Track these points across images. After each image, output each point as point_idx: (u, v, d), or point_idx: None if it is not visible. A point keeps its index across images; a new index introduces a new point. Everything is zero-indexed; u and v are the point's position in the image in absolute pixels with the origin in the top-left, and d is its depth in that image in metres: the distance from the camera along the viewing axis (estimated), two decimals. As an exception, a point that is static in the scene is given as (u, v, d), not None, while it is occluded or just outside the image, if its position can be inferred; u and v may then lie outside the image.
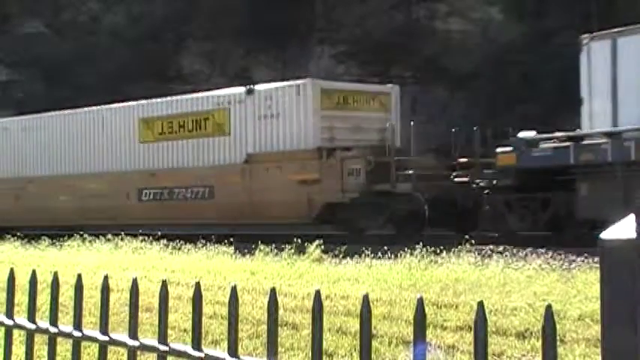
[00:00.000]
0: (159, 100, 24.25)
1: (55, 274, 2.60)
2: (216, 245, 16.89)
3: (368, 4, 34.11)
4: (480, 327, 1.76)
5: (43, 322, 2.64)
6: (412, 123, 19.87)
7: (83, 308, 2.55)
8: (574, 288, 9.59)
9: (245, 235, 19.89)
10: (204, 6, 35.99)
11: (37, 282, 2.69)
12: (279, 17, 33.29)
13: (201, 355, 2.17)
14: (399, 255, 13.81)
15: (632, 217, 1.49)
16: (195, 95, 23.67)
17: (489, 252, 14.24)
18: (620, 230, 1.46)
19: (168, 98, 24.17)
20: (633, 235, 1.43)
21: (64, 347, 4.24)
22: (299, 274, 11.98)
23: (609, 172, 15.89)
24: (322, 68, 30.07)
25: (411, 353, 1.84)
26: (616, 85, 16.41)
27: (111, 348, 2.51)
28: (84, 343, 2.57)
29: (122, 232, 19.58)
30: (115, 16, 38.56)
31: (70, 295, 2.72)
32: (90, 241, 18.71)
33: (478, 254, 13.42)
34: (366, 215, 19.69)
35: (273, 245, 15.66)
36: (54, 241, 19.64)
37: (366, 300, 1.92)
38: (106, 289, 2.49)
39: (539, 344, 4.98)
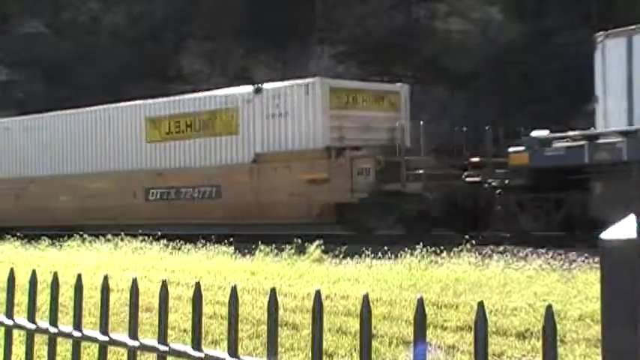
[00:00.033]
0: (166, 99, 24.07)
1: (55, 274, 2.60)
2: (216, 245, 16.89)
3: (368, 4, 34.12)
4: (480, 327, 1.76)
5: (43, 322, 2.64)
6: (422, 122, 19.70)
7: (83, 308, 2.55)
8: (574, 288, 9.59)
9: (245, 235, 19.87)
10: (204, 6, 35.99)
11: (37, 282, 2.69)
12: (279, 17, 33.29)
13: (201, 355, 2.17)
14: (399, 255, 13.81)
15: (632, 217, 1.49)
16: (202, 94, 23.49)
17: (489, 252, 14.23)
18: (620, 230, 1.46)
19: (176, 97, 23.99)
20: (633, 235, 1.43)
21: (64, 347, 4.23)
22: (299, 274, 11.97)
23: (625, 171, 15.66)
24: (322, 68, 30.07)
25: (411, 353, 1.84)
26: (632, 83, 16.21)
27: (111, 348, 2.51)
28: (84, 343, 2.57)
29: (122, 232, 19.56)
30: (115, 16, 38.57)
31: (70, 295, 2.71)
32: (90, 241, 18.70)
33: (478, 254, 13.41)
34: (375, 215, 19.53)
35: (273, 245, 15.66)
36: (54, 241, 19.64)
37: (366, 300, 1.92)
38: (106, 289, 2.49)
39: (539, 344, 4.98)
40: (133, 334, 2.37)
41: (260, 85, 21.92)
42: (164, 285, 2.33)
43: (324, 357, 2.05)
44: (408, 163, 19.51)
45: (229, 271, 12.63)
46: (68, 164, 25.68)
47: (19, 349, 3.44)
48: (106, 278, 2.49)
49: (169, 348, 2.28)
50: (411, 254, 13.54)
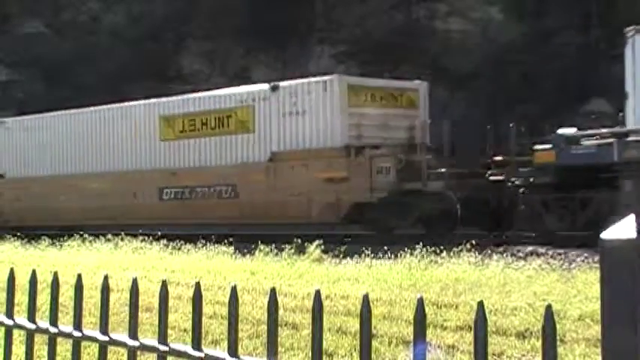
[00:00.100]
0: (180, 97, 23.84)
1: (55, 274, 2.60)
2: (216, 245, 16.88)
3: (368, 4, 34.12)
4: (480, 327, 1.76)
5: (43, 322, 2.64)
6: (445, 120, 19.44)
7: (83, 308, 2.55)
8: (574, 288, 9.59)
9: (245, 235, 19.84)
10: (204, 6, 35.99)
11: (37, 282, 2.69)
12: (279, 17, 33.30)
13: (201, 355, 2.17)
14: (399, 255, 13.81)
15: (632, 217, 1.49)
16: (218, 92, 23.26)
17: (489, 252, 14.23)
18: (620, 230, 1.46)
19: (190, 95, 23.74)
20: (633, 235, 1.43)
21: (64, 347, 4.23)
22: (299, 274, 11.97)
23: None
24: (322, 68, 30.05)
25: (411, 353, 1.84)
26: None
27: (111, 348, 2.51)
28: (84, 343, 2.57)
29: (122, 232, 19.55)
30: (115, 16, 38.57)
31: (70, 295, 2.72)
32: (90, 241, 18.70)
33: (478, 254, 13.41)
34: (395, 214, 19.25)
35: (273, 245, 15.65)
36: (54, 241, 19.63)
37: (366, 300, 1.92)
38: (106, 289, 2.49)
39: (539, 344, 4.98)
40: (133, 334, 2.37)
41: (276, 82, 21.67)
42: (164, 285, 2.33)
43: (324, 357, 2.05)
44: (429, 161, 19.25)
45: (229, 271, 12.63)
46: (83, 163, 25.38)
47: (19, 349, 3.44)
48: (106, 278, 2.49)
49: (169, 348, 2.28)
50: (411, 254, 13.54)
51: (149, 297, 8.16)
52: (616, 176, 16.09)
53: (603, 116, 22.93)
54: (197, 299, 2.22)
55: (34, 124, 27.01)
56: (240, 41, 35.52)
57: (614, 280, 1.43)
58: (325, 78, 20.79)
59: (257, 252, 15.41)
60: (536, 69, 29.13)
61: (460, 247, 13.78)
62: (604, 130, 17.04)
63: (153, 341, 2.33)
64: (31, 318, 2.67)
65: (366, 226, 20.34)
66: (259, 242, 15.91)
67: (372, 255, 14.25)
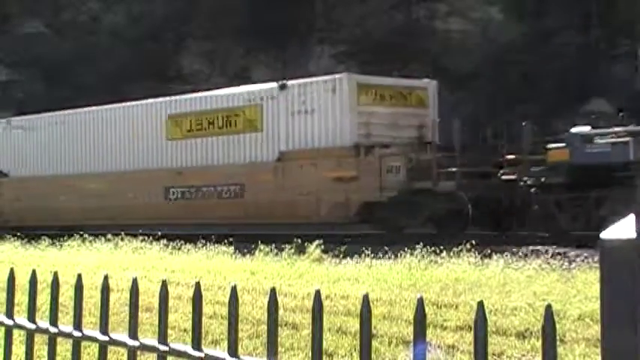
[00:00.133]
0: (187, 96, 23.68)
1: (55, 274, 2.60)
2: (216, 245, 16.88)
3: (368, 4, 34.12)
4: (480, 327, 1.76)
5: (43, 322, 2.64)
6: (456, 119, 19.20)
7: (83, 308, 2.55)
8: (574, 288, 9.59)
9: (245, 235, 19.82)
10: (204, 6, 36.00)
11: (37, 282, 2.69)
12: (279, 17, 33.30)
13: (201, 355, 2.17)
14: (399, 255, 13.80)
15: (632, 217, 1.49)
16: (225, 91, 23.11)
17: (489, 252, 14.22)
18: (620, 230, 1.46)
19: (198, 94, 23.56)
20: (633, 235, 1.43)
21: (64, 347, 4.23)
22: (299, 274, 11.97)
23: None
24: (322, 68, 30.08)
25: (411, 353, 1.84)
26: None
27: (111, 348, 2.51)
28: (84, 343, 2.57)
29: (122, 232, 19.54)
30: (115, 16, 38.58)
31: (70, 295, 2.72)
32: (90, 241, 18.69)
33: (478, 254, 13.41)
34: (405, 214, 19.07)
35: (273, 245, 15.65)
36: (54, 241, 19.63)
37: (366, 300, 1.92)
38: (106, 289, 2.49)
39: (539, 344, 4.98)
40: (133, 334, 2.37)
41: (285, 81, 21.51)
42: (164, 285, 2.33)
43: (324, 357, 2.05)
44: (440, 160, 19.07)
45: (229, 271, 12.63)
46: (88, 162, 25.17)
47: (19, 349, 3.44)
48: (106, 278, 2.49)
49: (169, 348, 2.28)
50: (411, 254, 13.54)
51: (149, 297, 8.16)
52: (632, 175, 15.84)
53: (603, 116, 22.91)
54: (197, 299, 2.22)
55: (39, 123, 26.77)
56: (240, 41, 35.53)
57: (614, 280, 1.43)
58: (334, 77, 20.59)
59: (257, 252, 15.41)
60: (536, 69, 29.13)
61: (460, 247, 13.78)
62: (619, 129, 16.82)
63: (153, 341, 2.33)
64: (31, 318, 2.67)
65: (375, 225, 20.12)
66: (259, 242, 15.90)
67: (372, 255, 14.24)
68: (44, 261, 14.44)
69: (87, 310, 3.26)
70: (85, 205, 24.34)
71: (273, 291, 2.07)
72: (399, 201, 19.04)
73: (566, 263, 12.93)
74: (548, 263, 12.54)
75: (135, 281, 2.39)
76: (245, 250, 16.10)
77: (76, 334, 2.53)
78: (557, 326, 1.82)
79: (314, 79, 21.20)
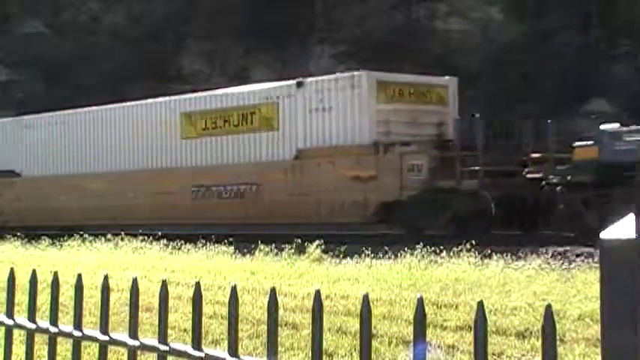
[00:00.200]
0: (202, 94, 23.38)
1: (55, 273, 2.60)
2: (216, 245, 16.88)
3: (368, 4, 34.13)
4: (480, 327, 1.76)
5: (43, 322, 2.64)
6: (477, 116, 18.90)
7: (83, 308, 2.55)
8: (574, 288, 9.59)
9: (245, 234, 19.79)
10: (204, 6, 36.01)
11: (37, 282, 2.69)
12: (279, 17, 33.30)
13: (202, 354, 2.17)
14: (399, 255, 13.80)
15: (632, 217, 1.49)
16: (241, 89, 22.81)
17: (489, 252, 14.23)
18: (620, 230, 1.46)
19: (212, 92, 23.26)
20: (633, 235, 1.43)
21: (64, 347, 4.23)
22: (299, 274, 11.97)
23: None
24: (322, 68, 30.08)
25: (411, 353, 1.84)
26: None
27: (111, 348, 2.51)
28: (84, 343, 2.57)
29: (122, 232, 19.53)
30: (115, 16, 38.59)
31: (70, 295, 2.72)
32: (90, 241, 18.69)
33: (478, 254, 13.41)
34: (426, 214, 18.60)
35: (273, 245, 15.65)
36: (54, 241, 19.63)
37: (366, 300, 1.92)
38: (106, 289, 2.49)
39: (539, 344, 4.98)
40: (133, 334, 2.37)
41: (302, 78, 21.18)
42: (164, 285, 2.33)
43: (324, 357, 2.05)
44: (463, 159, 18.66)
45: (229, 271, 12.63)
46: (102, 162, 24.86)
47: (19, 349, 3.44)
48: (106, 278, 2.49)
49: (169, 348, 2.28)
50: (411, 254, 13.54)
51: (149, 297, 8.16)
52: None
53: (603, 116, 22.89)
54: (197, 299, 2.22)
55: (50, 121, 26.45)
56: (240, 41, 35.54)
57: (614, 280, 1.43)
58: (353, 74, 20.22)
59: (257, 252, 15.41)
60: (536, 69, 29.14)
61: (460, 247, 13.78)
62: None
63: (153, 341, 2.33)
64: (31, 318, 2.67)
65: (394, 226, 19.72)
66: (259, 242, 15.90)
67: (372, 255, 14.24)
68: (44, 261, 14.44)
69: (87, 310, 3.26)
70: (97, 205, 23.98)
71: (273, 291, 2.07)
72: (420, 200, 18.59)
73: (566, 263, 12.94)
74: (548, 263, 12.54)
75: (135, 281, 2.39)
76: (245, 250, 16.10)
77: (76, 333, 2.53)
78: (557, 326, 1.82)
79: (332, 76, 20.82)
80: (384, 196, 19.15)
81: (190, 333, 2.25)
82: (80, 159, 25.59)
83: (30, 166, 26.78)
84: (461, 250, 13.58)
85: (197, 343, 2.20)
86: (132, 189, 23.71)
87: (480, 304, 1.76)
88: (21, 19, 39.23)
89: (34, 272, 2.71)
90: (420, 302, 1.84)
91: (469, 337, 7.06)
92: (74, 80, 34.43)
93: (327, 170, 19.74)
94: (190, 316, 2.28)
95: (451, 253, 13.50)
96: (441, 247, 13.90)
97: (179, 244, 17.21)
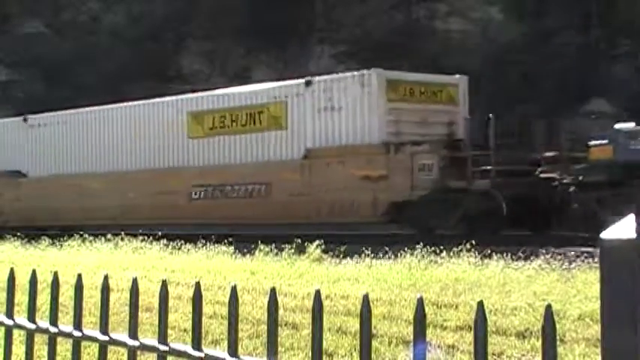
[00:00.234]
0: (209, 93, 23.22)
1: (55, 274, 2.60)
2: (216, 245, 16.87)
3: (368, 4, 34.15)
4: (480, 327, 1.76)
5: (43, 322, 2.64)
6: (491, 116, 18.68)
7: (83, 308, 2.55)
8: (574, 288, 9.59)
9: (245, 234, 19.76)
10: (204, 6, 36.02)
11: (37, 282, 2.69)
12: (279, 17, 33.32)
13: (201, 355, 2.17)
14: (399, 255, 13.80)
15: (632, 217, 1.49)
16: (249, 88, 22.63)
17: (489, 252, 14.23)
18: (620, 230, 1.46)
19: (220, 91, 23.09)
20: (633, 235, 1.43)
21: (64, 347, 4.24)
22: (299, 274, 11.97)
23: None
24: (322, 68, 30.09)
25: (411, 353, 1.84)
26: None
27: (111, 348, 2.51)
28: (84, 343, 2.57)
29: (122, 232, 19.52)
30: (115, 16, 38.61)
31: (70, 295, 2.72)
32: (90, 241, 18.69)
33: (478, 254, 13.41)
34: (436, 214, 18.42)
35: (273, 245, 15.64)
36: (54, 241, 19.63)
37: (366, 300, 1.92)
38: (106, 289, 2.49)
39: (539, 344, 4.98)
40: (133, 334, 2.37)
41: (311, 77, 21.00)
42: (164, 285, 2.33)
43: (324, 357, 2.05)
44: (475, 158, 18.51)
45: (229, 270, 12.63)
46: (107, 161, 24.68)
47: (19, 349, 3.44)
48: (106, 278, 2.49)
49: (169, 348, 2.28)
50: (411, 254, 13.54)
51: (149, 297, 8.16)
52: None
53: (603, 116, 22.89)
54: (197, 299, 2.22)
55: (56, 120, 26.28)
56: (240, 41, 35.55)
57: (614, 280, 1.43)
58: (363, 72, 20.00)
59: (257, 252, 15.40)
60: (536, 69, 29.15)
61: (460, 247, 13.78)
62: None
63: (153, 341, 2.33)
64: (31, 318, 2.67)
65: (405, 226, 19.53)
66: (259, 242, 15.89)
67: (372, 255, 14.24)
68: (44, 261, 14.44)
69: (87, 310, 3.26)
70: (104, 204, 23.79)
71: (273, 291, 2.07)
72: (431, 200, 18.46)
73: (566, 263, 12.93)
74: (548, 263, 12.54)
75: (135, 281, 2.39)
76: (245, 250, 16.09)
77: (76, 334, 2.53)
78: (557, 326, 1.82)
79: (341, 75, 20.65)
80: (395, 196, 18.98)
81: (190, 333, 2.25)
82: (82, 159, 25.46)
83: (36, 167, 26.55)
84: (461, 250, 13.58)
85: (197, 343, 2.20)
86: (134, 189, 23.57)
87: (480, 304, 1.76)
88: (21, 19, 39.25)
89: (34, 272, 2.71)
90: (420, 302, 1.84)
91: (469, 337, 7.07)
92: (74, 80, 34.45)
93: (336, 170, 19.59)
94: (190, 316, 2.28)
95: (451, 253, 13.50)
96: (441, 247, 13.89)
97: (179, 244, 17.21)
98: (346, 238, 17.99)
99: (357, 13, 34.28)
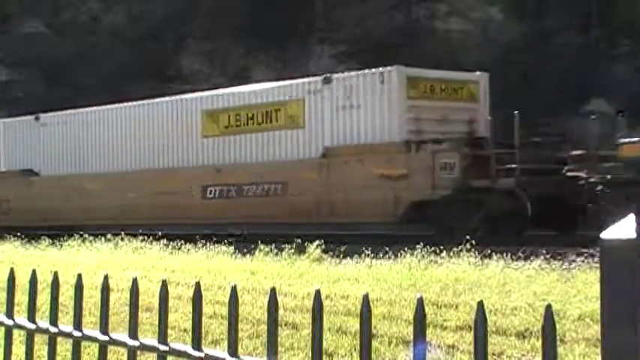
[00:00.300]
0: (225, 90, 23.01)
1: (55, 273, 2.60)
2: (216, 245, 16.87)
3: (368, 4, 34.15)
4: (480, 327, 1.76)
5: (43, 322, 2.64)
6: (516, 113, 18.27)
7: (83, 308, 2.55)
8: (574, 288, 9.59)
9: (245, 234, 19.76)
10: (204, 6, 36.03)
11: (37, 282, 2.69)
12: (279, 17, 33.33)
13: (201, 355, 2.17)
14: (399, 255, 13.80)
15: (632, 217, 1.49)
16: (265, 85, 22.29)
17: (489, 252, 14.23)
18: (620, 230, 1.46)
19: (236, 89, 22.82)
20: (633, 235, 1.43)
21: (64, 347, 4.24)
22: (299, 274, 11.97)
23: None
24: (322, 68, 30.10)
25: (411, 353, 1.84)
26: None
27: (111, 348, 2.51)
28: (84, 343, 2.57)
29: (122, 232, 19.52)
30: (115, 16, 38.62)
31: (70, 295, 2.72)
32: (90, 241, 18.69)
33: (478, 254, 13.41)
34: (459, 214, 18.04)
35: (273, 245, 15.64)
36: (54, 241, 19.63)
37: (366, 300, 1.92)
38: (106, 289, 2.49)
39: (539, 344, 4.98)
40: (133, 334, 2.37)
41: (329, 74, 20.73)
42: (164, 285, 2.33)
43: (324, 357, 2.05)
44: (499, 157, 18.20)
45: (229, 270, 12.63)
46: (122, 161, 24.47)
47: (19, 349, 3.44)
48: (106, 278, 2.49)
49: (169, 348, 2.28)
50: (411, 254, 13.54)
51: (149, 297, 8.16)
52: None
53: (603, 116, 22.88)
54: (197, 299, 2.22)
55: (67, 119, 26.06)
56: (240, 41, 35.56)
57: (614, 280, 1.43)
58: (382, 69, 19.65)
59: (257, 252, 15.40)
60: (536, 69, 29.15)
61: (460, 247, 13.78)
62: None
63: (153, 341, 2.33)
64: (31, 318, 2.67)
65: (426, 226, 19.18)
66: (259, 242, 15.89)
67: (372, 255, 14.24)
68: (44, 261, 14.44)
69: (87, 310, 3.26)
70: (118, 203, 23.62)
71: (273, 291, 2.07)
72: (453, 200, 18.17)
73: (566, 263, 12.93)
74: (549, 263, 12.54)
75: (135, 281, 2.39)
76: (245, 250, 16.09)
77: (76, 334, 2.53)
78: (557, 326, 1.82)
79: (360, 72, 20.26)
80: (416, 195, 18.66)
81: (190, 333, 2.25)
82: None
83: (49, 166, 26.32)
84: (461, 250, 13.58)
85: (197, 343, 2.20)
86: (148, 187, 23.35)
87: (480, 304, 1.76)
88: (21, 19, 39.27)
89: (34, 272, 2.71)
90: (420, 302, 1.84)
91: (469, 337, 7.07)
92: (74, 80, 34.46)
93: (355, 169, 19.30)
94: (190, 316, 2.28)
95: (451, 253, 13.50)
96: (441, 247, 13.89)
97: (179, 244, 17.21)
98: (346, 238, 17.98)
99: (357, 13, 34.28)
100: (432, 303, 8.69)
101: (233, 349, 2.11)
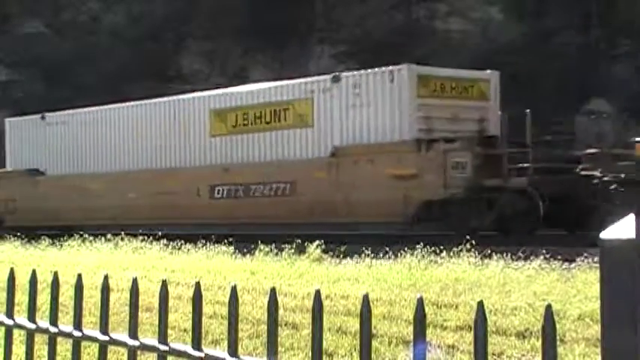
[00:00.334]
0: (233, 89, 22.86)
1: (55, 273, 2.60)
2: (216, 245, 16.87)
3: (368, 4, 34.15)
4: (480, 327, 1.76)
5: (43, 322, 2.64)
6: (528, 111, 18.26)
7: (83, 308, 2.55)
8: (574, 288, 9.59)
9: (245, 234, 19.73)
10: (204, 6, 36.03)
11: (37, 282, 2.69)
12: (279, 17, 33.33)
13: (201, 355, 2.17)
14: (399, 255, 13.80)
15: (632, 217, 1.49)
16: (274, 84, 22.11)
17: (489, 252, 14.22)
18: (620, 230, 1.46)
19: (244, 88, 22.69)
20: (633, 235, 1.43)
21: (64, 347, 4.24)
22: (299, 274, 11.97)
23: None
24: (322, 68, 30.10)
25: (411, 353, 1.84)
26: None
27: (111, 348, 2.51)
28: (84, 343, 2.57)
29: (122, 232, 19.51)
30: (115, 16, 38.62)
31: (70, 295, 2.72)
32: (90, 241, 18.69)
33: (478, 254, 13.41)
34: (471, 213, 17.94)
35: (273, 245, 15.64)
36: (54, 241, 19.63)
37: (366, 300, 1.92)
38: (106, 289, 2.49)
39: (539, 344, 4.98)
40: (133, 334, 2.37)
41: (338, 73, 20.55)
42: (164, 285, 2.33)
43: (324, 357, 2.05)
44: (511, 155, 18.05)
45: (229, 270, 12.63)
46: (128, 160, 24.34)
47: (19, 349, 3.44)
48: (106, 278, 2.49)
49: (169, 348, 2.28)
50: (411, 254, 13.53)
51: (149, 297, 8.16)
52: None
53: (601, 116, 22.86)
54: (197, 299, 2.22)
55: (70, 119, 25.97)
56: (239, 41, 35.57)
57: (614, 280, 1.43)
58: (393, 67, 19.45)
59: (257, 252, 15.40)
60: (536, 69, 29.14)
61: (460, 247, 13.77)
62: None
63: (153, 341, 2.33)
64: (31, 318, 2.67)
65: (438, 226, 19.03)
66: (259, 242, 15.89)
67: (372, 255, 14.24)
68: (44, 261, 14.44)
69: (87, 310, 3.26)
70: (122, 203, 23.52)
71: (273, 291, 2.07)
72: (465, 199, 18.02)
73: (566, 263, 12.93)
74: (549, 263, 12.54)
75: (135, 281, 2.39)
76: (245, 250, 16.09)
77: (76, 334, 2.53)
78: (557, 326, 1.82)
79: (370, 70, 20.04)
80: (427, 195, 18.47)
81: (190, 333, 2.25)
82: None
83: (55, 165, 26.21)
84: (461, 250, 13.58)
85: (197, 343, 2.20)
86: (155, 187, 23.21)
87: (480, 304, 1.76)
88: (21, 19, 39.27)
89: (34, 272, 2.71)
90: (420, 302, 1.84)
91: (469, 337, 7.07)
92: (74, 80, 34.46)
93: (365, 168, 19.13)
94: (190, 316, 2.28)
95: (451, 253, 13.50)
96: (441, 247, 13.89)
97: (179, 244, 17.21)
98: (346, 238, 17.96)
99: (357, 13, 34.29)
100: (432, 303, 8.69)
101: (233, 349, 2.11)
